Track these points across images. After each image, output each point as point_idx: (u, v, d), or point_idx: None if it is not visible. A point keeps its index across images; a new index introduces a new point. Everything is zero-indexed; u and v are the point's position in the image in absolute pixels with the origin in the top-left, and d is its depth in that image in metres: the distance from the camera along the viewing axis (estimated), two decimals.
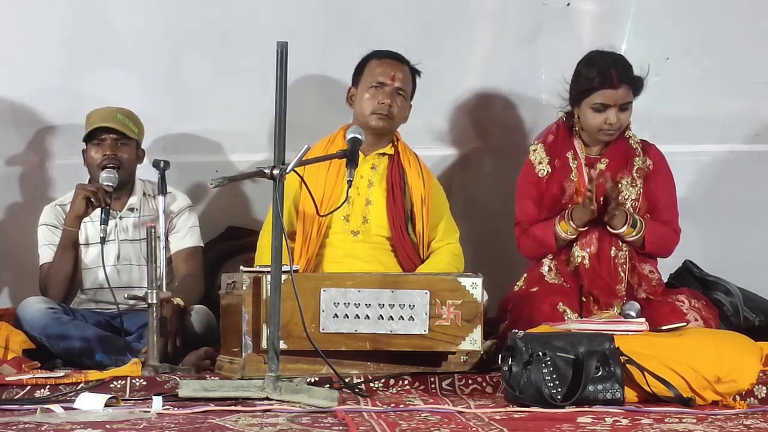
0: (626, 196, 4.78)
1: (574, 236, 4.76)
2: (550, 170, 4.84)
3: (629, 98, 4.76)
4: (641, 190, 4.81)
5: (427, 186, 4.93)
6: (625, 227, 4.71)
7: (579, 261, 4.76)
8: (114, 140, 4.91)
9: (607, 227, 4.73)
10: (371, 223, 4.87)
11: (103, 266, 4.69)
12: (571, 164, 4.82)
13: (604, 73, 4.71)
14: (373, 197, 4.89)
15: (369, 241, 4.86)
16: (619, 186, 4.74)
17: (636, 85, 4.76)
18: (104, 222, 4.72)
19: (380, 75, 4.88)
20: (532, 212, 4.87)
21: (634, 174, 4.80)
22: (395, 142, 4.97)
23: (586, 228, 4.73)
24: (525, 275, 4.92)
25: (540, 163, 4.86)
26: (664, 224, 4.83)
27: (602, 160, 4.84)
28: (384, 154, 4.94)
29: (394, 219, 4.87)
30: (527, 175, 4.90)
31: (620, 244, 4.76)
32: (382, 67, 4.90)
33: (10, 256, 5.37)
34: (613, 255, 4.75)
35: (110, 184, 4.80)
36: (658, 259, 4.90)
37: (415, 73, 4.97)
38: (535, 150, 4.89)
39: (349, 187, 4.10)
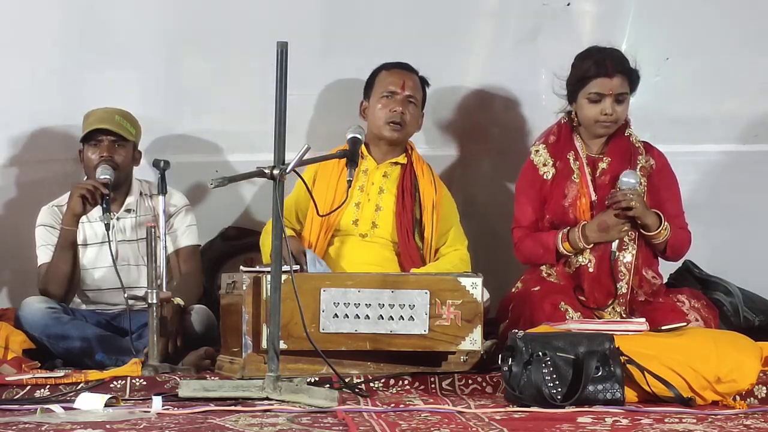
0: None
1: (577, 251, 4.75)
2: (554, 172, 4.83)
3: (625, 89, 4.76)
4: (645, 189, 4.80)
5: (438, 194, 4.98)
6: (659, 228, 4.69)
7: (583, 263, 4.74)
8: (111, 142, 4.91)
9: (640, 229, 4.71)
10: (380, 227, 4.90)
11: (111, 255, 4.70)
12: (572, 165, 4.81)
13: (600, 63, 4.73)
14: (383, 204, 4.92)
15: (376, 243, 4.89)
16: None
17: (632, 77, 4.77)
18: (106, 210, 4.72)
19: (390, 84, 4.95)
20: (531, 215, 4.85)
21: (638, 172, 4.79)
22: (409, 152, 5.01)
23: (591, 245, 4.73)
24: (523, 276, 4.91)
25: (545, 165, 4.84)
26: (681, 229, 4.82)
27: (604, 158, 4.83)
28: (397, 163, 4.98)
29: (401, 223, 4.90)
30: (528, 177, 4.87)
31: (626, 245, 4.73)
32: (392, 76, 4.97)
33: (9, 256, 5.36)
34: (614, 257, 4.72)
35: (107, 176, 4.80)
36: (659, 259, 4.89)
37: (424, 82, 5.03)
38: (537, 151, 4.87)
39: (349, 186, 4.15)
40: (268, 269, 3.99)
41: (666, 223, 4.71)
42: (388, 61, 5.03)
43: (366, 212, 4.91)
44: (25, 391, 3.99)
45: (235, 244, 5.49)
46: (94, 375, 4.12)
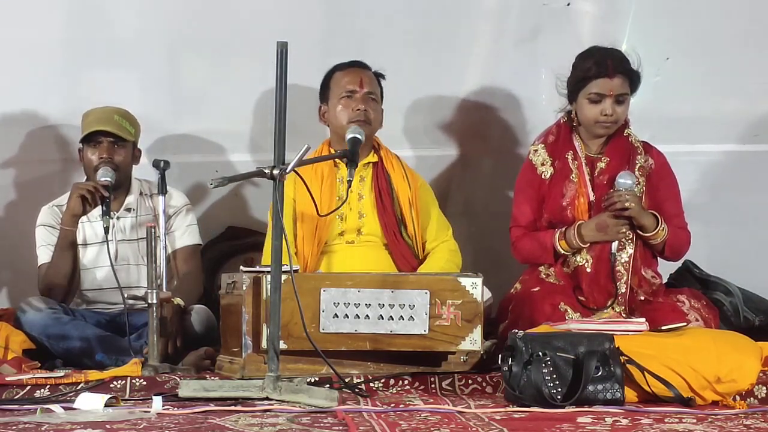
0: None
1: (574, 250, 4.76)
2: (552, 171, 4.83)
3: (625, 90, 4.75)
4: (644, 189, 4.80)
5: (413, 188, 4.93)
6: (657, 229, 4.69)
7: (580, 264, 4.75)
8: (110, 143, 4.90)
9: (637, 230, 4.72)
10: (366, 233, 4.88)
11: (109, 256, 4.70)
12: (571, 165, 4.81)
13: (600, 63, 4.72)
14: (365, 210, 4.89)
15: (366, 246, 4.87)
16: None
17: (632, 78, 4.76)
18: (106, 213, 4.72)
19: (348, 83, 4.88)
20: (530, 214, 4.85)
21: (637, 172, 4.79)
22: (377, 149, 4.97)
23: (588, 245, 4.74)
24: (522, 276, 4.90)
25: (543, 164, 4.84)
26: (681, 229, 4.82)
27: (603, 158, 4.83)
28: (369, 163, 4.94)
29: (386, 225, 4.87)
30: (527, 176, 4.87)
31: (624, 245, 4.73)
32: (348, 76, 4.90)
33: (9, 256, 5.37)
34: (614, 259, 4.72)
35: (107, 178, 4.80)
36: (659, 259, 4.89)
37: (379, 76, 4.98)
38: (536, 151, 4.87)
39: (349, 186, 4.12)
40: (268, 269, 3.99)
41: (663, 224, 4.71)
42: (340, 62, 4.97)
43: (350, 222, 4.87)
44: (25, 391, 3.99)
45: (235, 244, 5.49)
46: (94, 375, 4.12)
